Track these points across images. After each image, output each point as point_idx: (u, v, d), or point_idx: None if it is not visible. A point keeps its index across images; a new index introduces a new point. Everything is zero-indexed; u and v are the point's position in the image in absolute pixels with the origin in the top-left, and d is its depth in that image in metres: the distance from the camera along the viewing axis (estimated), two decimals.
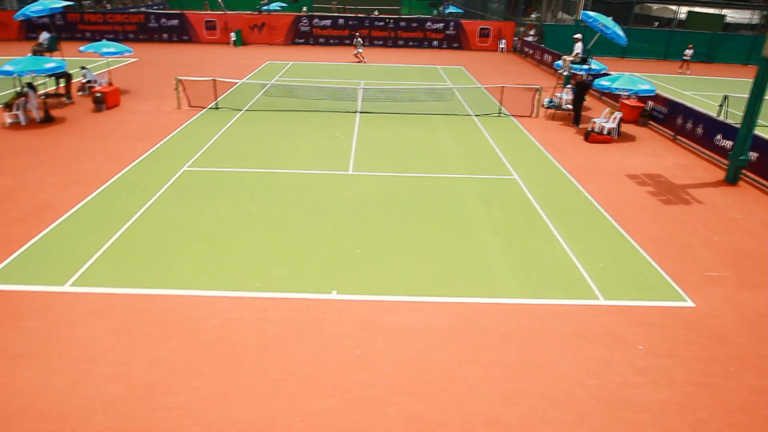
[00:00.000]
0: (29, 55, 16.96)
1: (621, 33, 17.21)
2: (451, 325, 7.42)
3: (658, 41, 35.14)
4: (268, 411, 5.89)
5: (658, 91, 18.07)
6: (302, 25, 35.60)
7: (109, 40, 26.46)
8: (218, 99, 19.13)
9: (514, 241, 9.87)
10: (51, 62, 16.20)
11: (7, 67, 15.14)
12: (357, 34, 33.01)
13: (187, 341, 6.93)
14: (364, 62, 30.10)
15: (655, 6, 49.73)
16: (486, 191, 12.11)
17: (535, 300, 8.06)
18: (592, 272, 8.86)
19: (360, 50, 30.41)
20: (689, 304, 8.13)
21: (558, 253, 9.49)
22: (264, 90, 21.26)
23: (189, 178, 12.25)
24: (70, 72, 18.85)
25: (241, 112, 18.30)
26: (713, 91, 24.95)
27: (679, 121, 16.82)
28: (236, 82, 21.77)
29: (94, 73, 20.56)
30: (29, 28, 32.38)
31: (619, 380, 6.50)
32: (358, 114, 18.46)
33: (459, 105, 20.37)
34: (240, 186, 11.97)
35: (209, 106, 18.65)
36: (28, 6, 18.35)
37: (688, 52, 30.87)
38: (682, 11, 41.26)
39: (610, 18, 17.46)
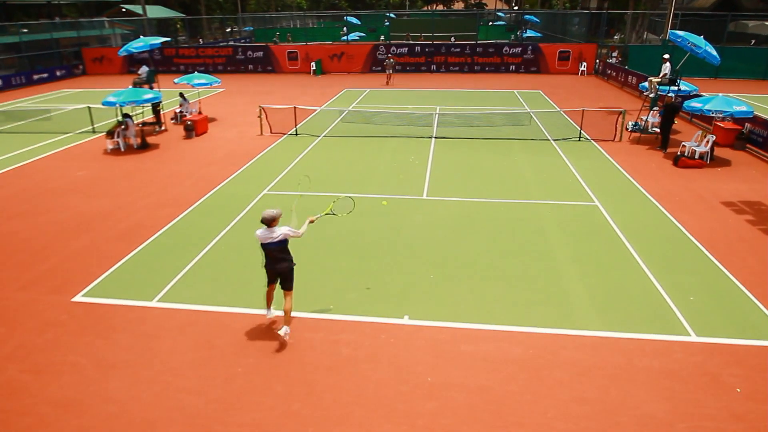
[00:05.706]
0: (130, 87, 18.49)
1: (713, 52, 16.27)
2: (528, 357, 7.13)
3: (755, 60, 32.86)
4: None
5: (757, 113, 16.82)
6: (379, 53, 36.49)
7: (200, 72, 28.37)
8: (298, 126, 19.87)
9: (596, 270, 9.40)
10: (149, 93, 17.66)
11: (111, 98, 16.60)
12: (389, 55, 33.85)
13: (262, 359, 7.10)
14: (391, 82, 31.96)
15: (751, 23, 46.65)
16: (565, 218, 11.68)
17: (618, 333, 7.59)
18: (683, 306, 8.25)
19: (390, 71, 31.96)
20: None
21: (644, 284, 8.92)
22: (341, 116, 21.86)
23: (268, 202, 12.72)
24: (162, 102, 20.32)
25: (320, 137, 18.88)
26: None
27: None
28: (315, 110, 22.56)
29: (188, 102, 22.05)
30: (131, 63, 35.43)
31: (714, 426, 5.94)
32: (433, 139, 18.52)
33: (537, 129, 19.93)
34: (316, 209, 12.23)
35: (289, 133, 19.40)
36: (130, 43, 20.05)
37: None
38: None
39: (701, 37, 16.55)
